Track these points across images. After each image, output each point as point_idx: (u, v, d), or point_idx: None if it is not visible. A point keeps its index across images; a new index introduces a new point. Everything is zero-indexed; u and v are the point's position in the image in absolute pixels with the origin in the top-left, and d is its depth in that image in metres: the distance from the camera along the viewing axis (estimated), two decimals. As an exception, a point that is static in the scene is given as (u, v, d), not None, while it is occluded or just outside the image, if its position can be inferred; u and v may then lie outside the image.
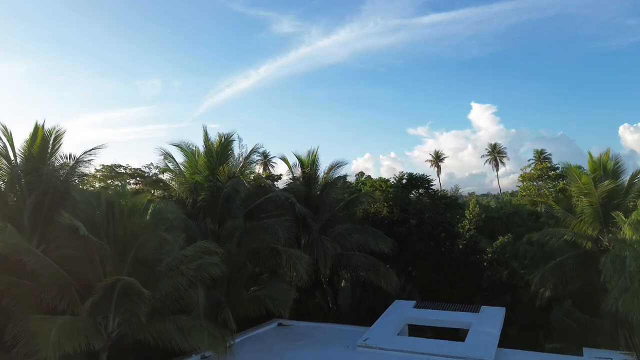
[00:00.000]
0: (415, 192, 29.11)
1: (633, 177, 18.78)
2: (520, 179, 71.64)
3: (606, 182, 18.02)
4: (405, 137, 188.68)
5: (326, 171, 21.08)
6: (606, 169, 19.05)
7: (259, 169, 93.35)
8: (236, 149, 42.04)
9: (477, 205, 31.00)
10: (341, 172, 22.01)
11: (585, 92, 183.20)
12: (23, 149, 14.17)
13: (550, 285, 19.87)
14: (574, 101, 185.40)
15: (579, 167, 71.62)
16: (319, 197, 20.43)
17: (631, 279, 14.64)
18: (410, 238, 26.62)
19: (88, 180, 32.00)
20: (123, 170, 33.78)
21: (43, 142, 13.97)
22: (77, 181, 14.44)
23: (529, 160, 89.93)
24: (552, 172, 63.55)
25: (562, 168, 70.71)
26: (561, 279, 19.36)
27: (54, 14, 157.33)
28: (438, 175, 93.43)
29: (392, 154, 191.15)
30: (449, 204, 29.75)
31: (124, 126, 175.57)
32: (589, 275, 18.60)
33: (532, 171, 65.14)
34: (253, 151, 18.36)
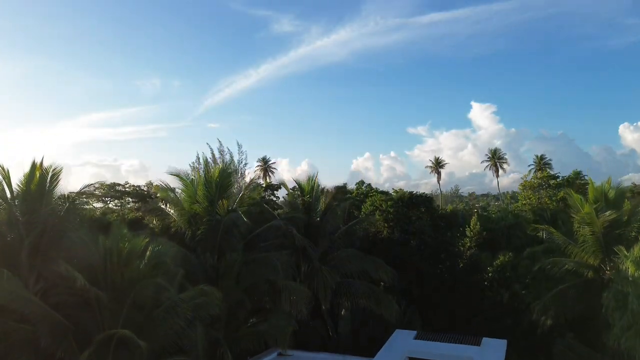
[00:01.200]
0: (416, 210, 28.95)
1: (635, 206, 18.64)
2: (521, 187, 71.62)
3: (608, 213, 17.91)
4: (405, 137, 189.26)
5: (326, 197, 20.93)
6: (607, 197, 18.93)
7: (259, 175, 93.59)
8: (235, 156, 42.02)
9: (478, 224, 30.84)
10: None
11: (585, 92, 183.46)
12: (21, 185, 14.05)
13: (551, 314, 19.76)
14: (574, 100, 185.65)
15: (580, 173, 70.98)
16: (319, 223, 20.34)
17: (634, 318, 14.54)
18: (410, 258, 26.52)
19: (88, 201, 32.04)
20: (122, 188, 33.76)
21: (41, 180, 13.86)
22: (76, 216, 14.31)
23: (529, 165, 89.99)
24: (553, 181, 63.60)
25: (561, 177, 70.93)
26: (563, 307, 19.27)
27: (54, 13, 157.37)
28: (438, 182, 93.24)
29: (392, 153, 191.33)
30: (449, 223, 29.64)
31: (124, 126, 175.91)
32: (590, 304, 18.48)
33: (533, 180, 65.16)
34: (252, 182, 18.23)
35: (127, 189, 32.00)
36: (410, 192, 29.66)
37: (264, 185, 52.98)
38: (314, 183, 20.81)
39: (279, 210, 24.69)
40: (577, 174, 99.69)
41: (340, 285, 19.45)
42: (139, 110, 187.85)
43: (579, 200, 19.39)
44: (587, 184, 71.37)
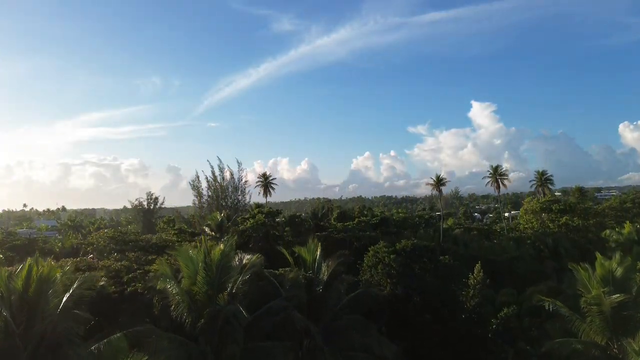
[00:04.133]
0: (418, 261, 28.62)
1: (643, 286, 18.39)
2: (523, 211, 71.23)
3: (615, 296, 17.66)
4: (405, 136, 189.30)
5: (329, 267, 20.62)
6: (615, 276, 18.68)
7: (259, 191, 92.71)
8: (235, 174, 41.19)
9: (481, 271, 30.49)
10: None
11: (586, 91, 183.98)
12: (17, 289, 13.74)
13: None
14: (574, 99, 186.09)
15: (582, 189, 71.90)
16: (321, 297, 20.04)
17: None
18: (413, 315, 26.20)
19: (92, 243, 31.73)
20: (122, 237, 33.49)
21: (38, 286, 13.54)
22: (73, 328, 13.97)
23: (530, 181, 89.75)
24: (555, 205, 63.33)
25: (563, 201, 70.46)
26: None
27: (54, 13, 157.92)
28: (439, 199, 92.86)
29: (392, 153, 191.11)
30: (452, 274, 29.31)
31: (124, 125, 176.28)
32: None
33: (535, 204, 64.90)
34: (252, 264, 17.93)
35: (127, 238, 31.80)
36: (413, 243, 29.36)
37: (264, 212, 52.82)
38: (317, 255, 20.52)
39: (280, 271, 24.38)
40: (579, 190, 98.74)
41: (343, 361, 19.13)
42: (139, 110, 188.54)
43: (586, 277, 19.12)
44: (590, 209, 70.66)
